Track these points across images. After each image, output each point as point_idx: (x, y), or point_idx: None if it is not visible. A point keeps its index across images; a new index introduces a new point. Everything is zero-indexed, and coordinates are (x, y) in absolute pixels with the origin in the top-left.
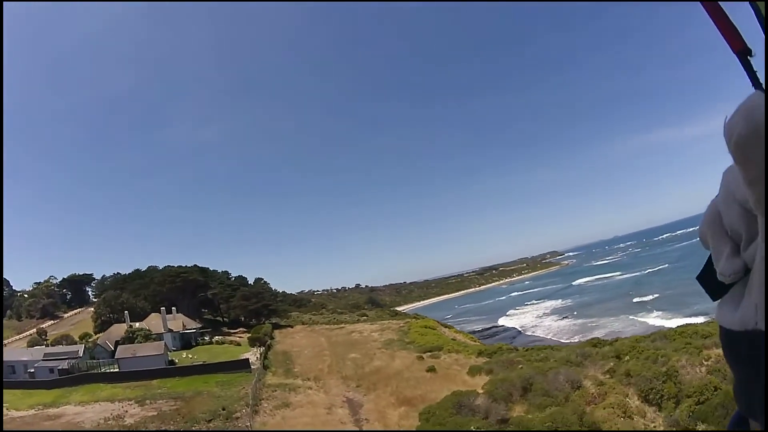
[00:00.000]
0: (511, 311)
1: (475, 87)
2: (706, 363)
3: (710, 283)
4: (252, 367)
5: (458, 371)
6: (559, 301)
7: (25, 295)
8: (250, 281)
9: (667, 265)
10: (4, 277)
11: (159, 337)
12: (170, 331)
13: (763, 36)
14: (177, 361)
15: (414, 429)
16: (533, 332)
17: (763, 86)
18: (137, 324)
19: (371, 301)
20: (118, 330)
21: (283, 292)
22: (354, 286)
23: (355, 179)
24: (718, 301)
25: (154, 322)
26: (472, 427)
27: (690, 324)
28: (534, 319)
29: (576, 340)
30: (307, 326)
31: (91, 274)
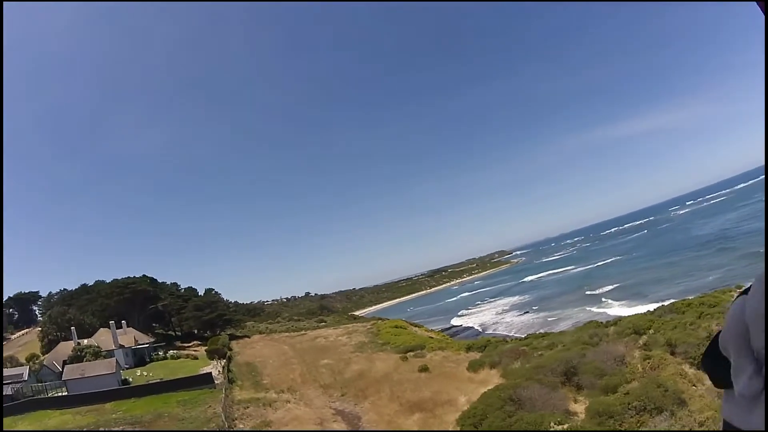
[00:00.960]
0: (466, 310)
1: (420, 90)
2: None
3: (716, 370)
4: (215, 381)
5: (454, 368)
6: (517, 297)
7: None
8: (200, 293)
9: (619, 257)
10: None
11: (110, 354)
12: (121, 347)
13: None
14: (131, 380)
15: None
16: (495, 329)
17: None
18: (85, 341)
19: (323, 308)
20: (66, 348)
21: (236, 302)
22: (304, 294)
23: (298, 186)
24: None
25: (103, 338)
26: (552, 424)
27: (686, 299)
28: (494, 316)
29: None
30: (264, 335)
31: (37, 292)
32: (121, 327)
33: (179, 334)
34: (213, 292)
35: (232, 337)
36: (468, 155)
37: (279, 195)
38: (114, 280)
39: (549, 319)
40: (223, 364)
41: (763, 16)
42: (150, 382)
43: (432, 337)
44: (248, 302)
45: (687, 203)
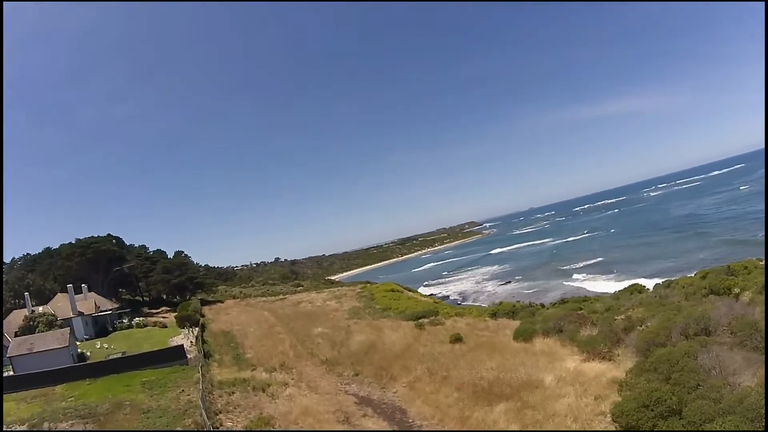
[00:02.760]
0: (442, 279)
1: (399, 61)
2: None
3: None
4: (188, 355)
5: (493, 337)
6: (496, 266)
7: None
8: (170, 256)
9: (597, 233)
10: None
11: (67, 323)
12: (80, 314)
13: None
14: (89, 354)
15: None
16: (476, 299)
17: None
18: (40, 308)
19: (294, 274)
20: (18, 318)
21: (206, 265)
22: (274, 260)
23: (270, 151)
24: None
25: (60, 304)
26: None
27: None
28: (473, 285)
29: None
30: (239, 300)
31: None
32: (81, 292)
33: (147, 299)
34: (183, 255)
35: (204, 303)
36: (443, 128)
37: (250, 161)
38: (77, 240)
39: (534, 290)
40: (195, 333)
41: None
42: (110, 357)
43: (437, 302)
44: (218, 266)
45: (660, 186)
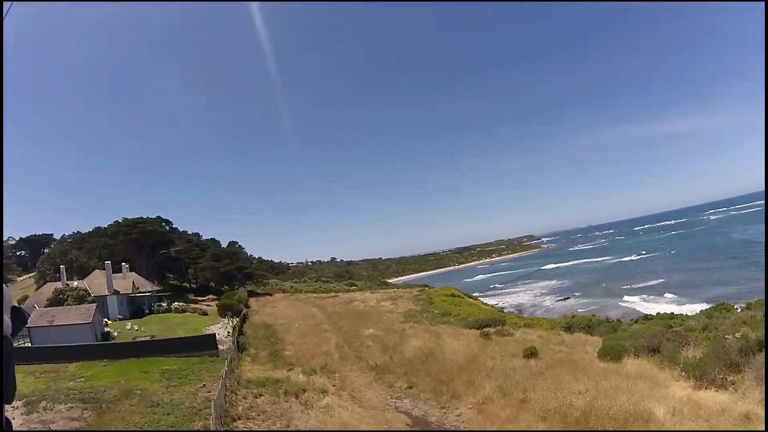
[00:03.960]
0: (498, 290)
1: (458, 68)
2: None
3: None
4: (220, 346)
5: (571, 353)
6: (554, 281)
7: None
8: (224, 245)
9: (657, 253)
10: None
11: (101, 300)
12: (116, 293)
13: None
14: (116, 334)
15: None
16: (533, 313)
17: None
18: (75, 282)
19: (348, 273)
20: (50, 290)
21: (259, 258)
22: (329, 259)
23: (334, 151)
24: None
25: (96, 281)
26: None
27: None
28: (531, 298)
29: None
30: (289, 294)
31: (51, 235)
32: (120, 271)
33: (194, 286)
34: (236, 246)
35: (252, 294)
36: (506, 138)
37: (313, 160)
38: (124, 219)
39: (593, 307)
40: (233, 323)
41: None
42: (136, 339)
43: (501, 311)
44: (272, 260)
45: (720, 209)
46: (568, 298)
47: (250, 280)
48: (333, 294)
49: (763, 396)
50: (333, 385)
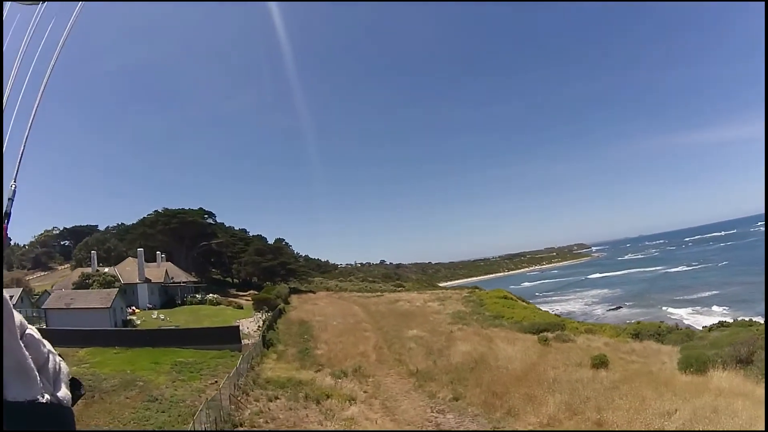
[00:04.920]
0: (550, 298)
1: (506, 68)
2: None
3: None
4: (246, 341)
5: (644, 365)
6: (605, 290)
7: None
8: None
9: (708, 264)
10: None
11: (131, 288)
12: (147, 281)
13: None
14: (138, 322)
15: None
16: (584, 321)
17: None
18: (106, 269)
19: (397, 276)
20: (78, 275)
21: (306, 256)
22: (378, 261)
23: (385, 153)
24: None
25: (129, 268)
26: None
27: None
28: (582, 306)
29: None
30: (332, 293)
31: (96, 226)
32: (155, 260)
33: (237, 281)
34: (283, 243)
35: (294, 291)
36: (558, 143)
37: (367, 161)
38: (164, 209)
39: (647, 317)
40: (266, 317)
41: None
42: (161, 328)
43: (559, 315)
44: (319, 259)
45: None
46: (619, 307)
47: (294, 277)
48: (378, 293)
49: None
50: (364, 392)
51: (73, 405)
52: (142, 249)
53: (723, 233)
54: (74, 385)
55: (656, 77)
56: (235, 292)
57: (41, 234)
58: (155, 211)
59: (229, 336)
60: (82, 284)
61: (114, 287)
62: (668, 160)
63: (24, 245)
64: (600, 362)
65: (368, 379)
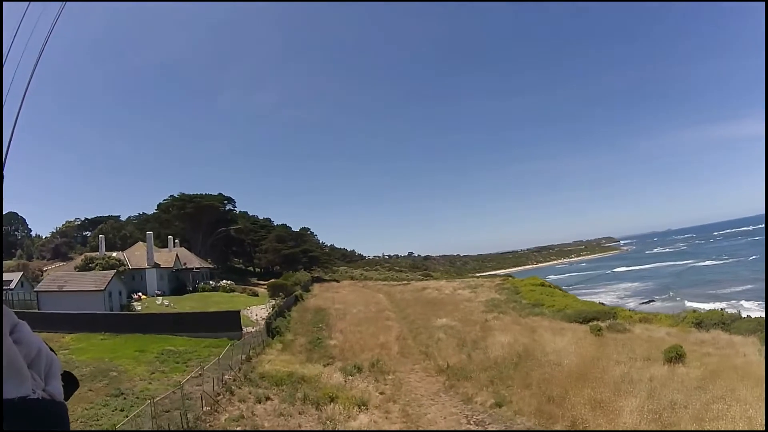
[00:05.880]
0: (580, 290)
1: (532, 61)
2: None
3: None
4: (250, 328)
5: (723, 358)
6: (637, 283)
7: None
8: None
9: (738, 258)
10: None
11: (140, 273)
12: (156, 266)
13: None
14: (139, 308)
15: None
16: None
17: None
18: (114, 254)
19: (425, 267)
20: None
21: (331, 245)
22: (407, 253)
23: (412, 147)
24: None
25: (138, 253)
26: None
27: None
28: (614, 299)
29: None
30: (357, 281)
31: (118, 216)
32: (166, 246)
33: (258, 270)
34: (308, 232)
35: (318, 280)
36: (588, 137)
37: (396, 156)
38: (180, 193)
39: (680, 311)
40: (275, 304)
41: None
42: (151, 312)
43: (603, 303)
44: (345, 248)
45: None
46: (652, 300)
47: (317, 265)
48: (404, 282)
49: None
50: (380, 393)
51: (66, 399)
52: (151, 233)
53: (752, 227)
54: (68, 378)
55: (691, 70)
56: (256, 281)
57: (63, 225)
58: (171, 195)
59: (229, 322)
60: (85, 268)
61: (119, 271)
62: (697, 155)
63: (45, 236)
64: (676, 355)
65: (387, 377)
